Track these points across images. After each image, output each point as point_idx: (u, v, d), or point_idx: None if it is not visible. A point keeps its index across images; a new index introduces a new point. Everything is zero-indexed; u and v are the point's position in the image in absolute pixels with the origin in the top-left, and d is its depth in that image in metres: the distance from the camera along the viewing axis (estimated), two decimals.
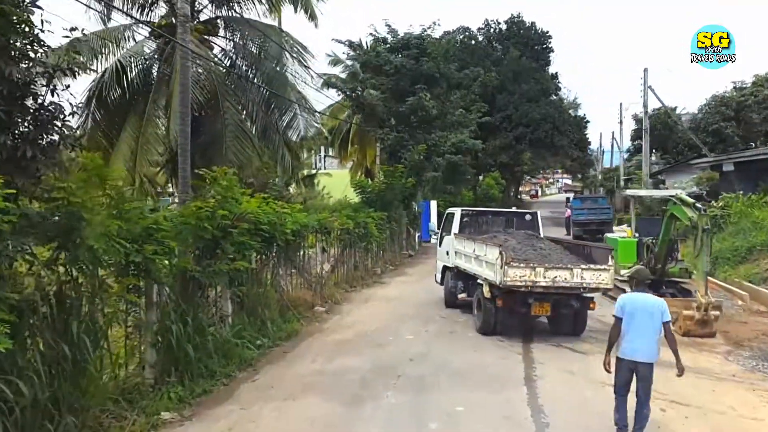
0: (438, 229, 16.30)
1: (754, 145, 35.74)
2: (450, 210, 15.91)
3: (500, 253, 10.58)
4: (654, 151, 37.06)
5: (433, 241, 20.78)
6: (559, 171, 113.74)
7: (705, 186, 31.44)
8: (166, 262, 8.58)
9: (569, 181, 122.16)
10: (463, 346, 10.93)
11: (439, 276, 15.32)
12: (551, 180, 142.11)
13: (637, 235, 15.98)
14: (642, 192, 20.38)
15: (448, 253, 14.21)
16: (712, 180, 31.37)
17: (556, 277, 10.63)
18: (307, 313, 13.40)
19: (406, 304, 15.00)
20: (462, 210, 15.10)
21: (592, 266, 10.94)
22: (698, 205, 12.29)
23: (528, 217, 15.11)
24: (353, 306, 14.95)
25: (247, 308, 11.10)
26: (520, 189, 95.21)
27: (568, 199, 41.30)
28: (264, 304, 11.54)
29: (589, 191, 66.46)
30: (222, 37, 18.14)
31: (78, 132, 17.99)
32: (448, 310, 14.01)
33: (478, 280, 11.88)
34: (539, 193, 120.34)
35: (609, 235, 19.38)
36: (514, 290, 10.68)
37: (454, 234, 13.91)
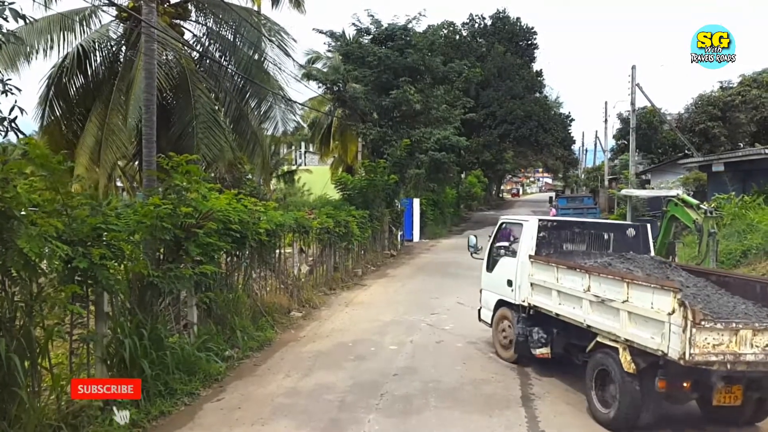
0: (477, 244, 11.66)
1: (741, 145, 35.38)
2: (508, 219, 11.18)
3: (681, 304, 6.17)
4: (638, 150, 36.59)
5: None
6: (540, 170, 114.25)
7: (692, 186, 30.98)
8: (122, 267, 7.59)
9: (550, 180, 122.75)
10: (451, 358, 10.00)
11: (487, 314, 10.70)
12: (532, 179, 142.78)
13: None
14: (639, 192, 19.62)
15: (511, 284, 9.79)
16: (700, 180, 30.89)
17: None
18: (282, 319, 12.41)
19: (389, 309, 14.04)
20: (539, 221, 9.90)
21: None
22: (703, 206, 11.53)
23: (631, 231, 10.09)
24: (332, 311, 13.97)
25: (214, 316, 10.11)
26: (502, 187, 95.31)
27: (551, 198, 40.74)
28: (234, 311, 10.53)
29: (570, 190, 66.21)
30: (194, 21, 17.03)
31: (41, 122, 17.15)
32: (434, 317, 13.08)
33: (598, 338, 7.50)
34: (520, 191, 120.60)
35: None
36: (692, 366, 6.20)
37: (530, 257, 9.27)
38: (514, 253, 10.02)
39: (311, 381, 8.68)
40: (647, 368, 6.81)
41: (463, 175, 50.42)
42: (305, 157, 55.28)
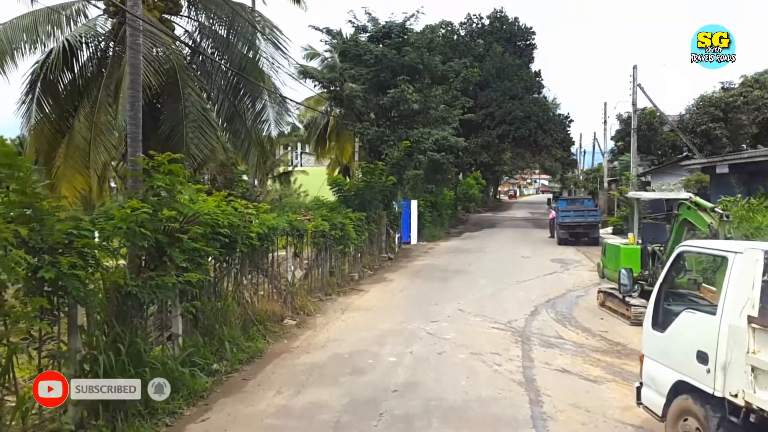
0: (631, 284, 8.62)
1: (744, 147, 34.84)
2: (694, 246, 6.90)
3: None
4: (637, 152, 36.02)
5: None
6: (537, 171, 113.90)
7: (693, 188, 30.43)
8: (97, 276, 6.96)
9: (547, 182, 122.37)
10: (454, 372, 9.36)
11: (655, 399, 6.31)
12: (529, 180, 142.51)
13: (640, 241, 14.59)
14: (647, 194, 19.04)
15: (705, 359, 5.50)
16: (702, 182, 30.35)
17: None
18: (275, 328, 11.79)
19: (387, 316, 13.41)
20: (766, 253, 5.28)
21: None
22: (718, 209, 10.95)
23: None
24: (327, 318, 13.34)
25: (201, 326, 9.47)
26: (499, 189, 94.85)
27: (549, 200, 40.04)
28: (223, 320, 9.91)
29: (568, 192, 65.63)
30: (185, 16, 16.37)
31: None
32: (434, 325, 12.43)
33: None
34: (517, 193, 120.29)
35: (609, 241, 18.00)
36: None
37: (751, 320, 5.04)
38: (710, 308, 5.84)
39: (304, 398, 8.06)
40: None
41: (460, 177, 49.85)
42: (301, 158, 54.68)
